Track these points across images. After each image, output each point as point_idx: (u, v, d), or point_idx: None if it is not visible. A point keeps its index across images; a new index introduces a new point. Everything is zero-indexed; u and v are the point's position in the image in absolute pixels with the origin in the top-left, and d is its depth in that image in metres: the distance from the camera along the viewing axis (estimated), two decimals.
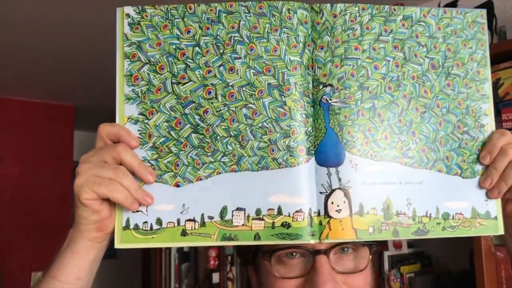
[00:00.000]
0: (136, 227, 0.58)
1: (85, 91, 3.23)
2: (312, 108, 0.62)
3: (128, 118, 0.60)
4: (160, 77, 0.60)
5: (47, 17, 2.09)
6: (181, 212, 0.59)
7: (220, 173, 0.59)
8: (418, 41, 0.64)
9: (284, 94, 0.60)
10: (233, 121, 0.60)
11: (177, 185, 0.59)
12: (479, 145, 0.64)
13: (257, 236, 0.58)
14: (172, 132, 0.60)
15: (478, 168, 0.64)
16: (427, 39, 0.64)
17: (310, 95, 0.62)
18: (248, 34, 0.61)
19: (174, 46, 0.61)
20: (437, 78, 0.64)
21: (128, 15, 0.61)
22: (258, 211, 0.59)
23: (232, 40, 0.61)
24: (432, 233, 0.61)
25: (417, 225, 0.61)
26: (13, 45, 2.42)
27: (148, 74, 0.60)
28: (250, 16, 0.61)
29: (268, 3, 0.61)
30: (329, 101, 0.61)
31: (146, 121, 0.60)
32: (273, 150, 0.60)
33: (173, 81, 0.60)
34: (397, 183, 0.61)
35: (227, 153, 0.60)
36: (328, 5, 0.62)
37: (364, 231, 0.60)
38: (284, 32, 0.61)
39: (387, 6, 0.63)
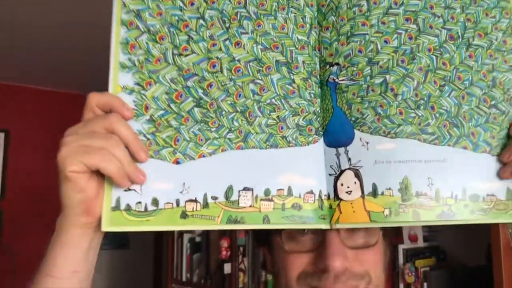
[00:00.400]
0: (128, 208, 0.51)
1: (96, 80, 3.30)
2: (319, 89, 0.59)
3: (122, 88, 0.54)
4: (160, 47, 0.56)
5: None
6: (181, 192, 0.53)
7: (225, 150, 0.55)
8: (433, 12, 0.60)
9: (293, 72, 0.58)
10: (239, 96, 0.56)
11: (177, 162, 0.53)
12: (510, 119, 0.58)
13: (266, 219, 0.54)
14: (172, 105, 0.55)
15: None
16: (443, 9, 0.60)
17: (318, 76, 0.59)
18: (256, 11, 0.59)
19: (176, 17, 0.57)
20: (457, 50, 0.59)
21: None
22: (267, 191, 0.54)
23: (238, 15, 0.58)
24: (460, 216, 0.55)
25: (441, 207, 0.55)
26: (25, 31, 2.48)
27: (146, 43, 0.55)
28: None
29: None
30: (336, 80, 0.58)
31: (142, 91, 0.54)
32: (282, 127, 0.57)
33: (174, 52, 0.56)
34: (416, 161, 0.56)
35: (233, 129, 0.56)
36: None
37: (378, 213, 0.55)
38: (291, 12, 0.60)
39: None
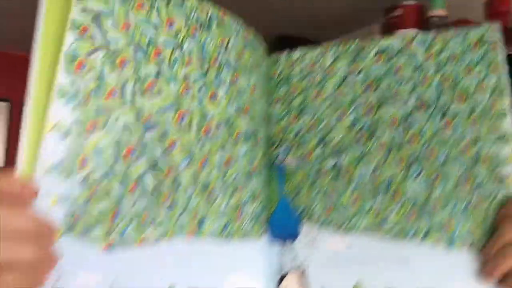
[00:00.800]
0: None
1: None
2: (267, 170, 0.53)
3: (55, 126, 0.36)
4: (119, 76, 0.39)
5: None
6: None
7: (173, 237, 0.43)
8: (400, 76, 0.50)
9: (257, 146, 0.51)
10: (204, 166, 0.45)
11: (109, 247, 0.38)
12: (499, 202, 0.45)
13: None
14: (118, 164, 0.39)
15: None
16: (413, 72, 0.50)
17: (267, 155, 0.53)
18: (236, 59, 0.49)
19: (147, 38, 0.42)
20: (429, 120, 0.49)
21: None
22: None
23: (220, 58, 0.47)
24: None
25: None
26: None
27: (102, 65, 0.39)
28: (239, 38, 0.50)
29: (253, 33, 0.52)
30: (284, 161, 0.52)
31: (83, 137, 0.37)
32: (241, 214, 0.48)
33: (136, 87, 0.41)
34: (372, 263, 0.46)
35: (188, 209, 0.43)
36: (285, 54, 0.54)
37: None
38: (261, 75, 0.53)
39: (356, 41, 0.52)
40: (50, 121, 0.35)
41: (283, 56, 0.54)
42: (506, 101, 0.47)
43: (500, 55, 0.48)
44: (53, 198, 0.35)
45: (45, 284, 0.34)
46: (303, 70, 0.53)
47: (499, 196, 0.45)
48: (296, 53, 0.54)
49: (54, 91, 0.36)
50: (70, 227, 0.36)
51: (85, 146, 0.37)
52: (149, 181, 0.41)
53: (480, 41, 0.49)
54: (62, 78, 0.36)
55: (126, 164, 0.39)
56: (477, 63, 0.49)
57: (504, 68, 0.48)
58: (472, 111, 0.48)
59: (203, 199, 0.44)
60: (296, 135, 0.52)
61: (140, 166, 0.40)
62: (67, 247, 0.36)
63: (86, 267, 0.38)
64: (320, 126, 0.51)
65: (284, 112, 0.53)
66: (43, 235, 0.34)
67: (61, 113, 0.36)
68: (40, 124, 0.35)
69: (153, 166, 0.41)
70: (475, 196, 0.46)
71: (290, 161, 0.51)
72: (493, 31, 0.49)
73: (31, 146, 0.35)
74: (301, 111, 0.52)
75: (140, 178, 0.40)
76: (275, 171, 0.52)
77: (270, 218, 0.50)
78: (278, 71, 0.54)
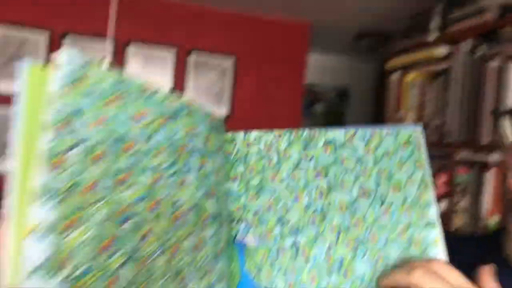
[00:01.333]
0: None
1: (321, 6, 2.94)
2: (229, 249, 0.54)
3: (34, 228, 0.35)
4: (96, 171, 0.40)
5: None
6: None
7: None
8: (345, 166, 0.57)
9: (221, 227, 0.52)
10: (175, 253, 0.46)
11: None
12: None
13: None
14: (98, 258, 0.39)
15: None
16: (355, 163, 0.58)
17: (227, 234, 0.54)
18: (202, 145, 0.52)
19: (122, 131, 0.42)
20: (370, 207, 0.56)
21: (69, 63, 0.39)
22: None
23: (189, 146, 0.50)
24: None
25: None
26: None
27: (80, 161, 0.39)
28: (206, 126, 0.53)
29: (217, 122, 0.55)
30: (244, 240, 0.54)
31: (63, 235, 0.37)
32: None
33: (111, 181, 0.41)
34: None
35: None
36: (242, 134, 0.58)
37: None
38: (222, 155, 0.56)
39: (306, 131, 0.58)
40: (29, 223, 0.35)
41: (240, 136, 0.58)
42: (430, 193, 0.57)
43: (424, 154, 0.59)
44: None
45: None
46: (260, 152, 0.57)
47: None
48: (252, 135, 0.58)
49: (31, 193, 0.35)
50: None
51: (65, 244, 0.37)
52: (128, 272, 0.41)
53: (408, 141, 0.59)
54: (41, 178, 0.36)
55: (105, 258, 0.40)
56: (406, 161, 0.59)
57: (427, 165, 0.58)
58: (404, 201, 0.57)
59: (176, 286, 0.45)
60: (255, 214, 0.55)
61: (119, 258, 0.41)
62: None
63: None
64: (278, 206, 0.55)
65: (243, 190, 0.56)
66: None
67: (40, 214, 0.36)
68: (22, 226, 0.35)
69: (132, 256, 0.42)
70: None
71: (250, 240, 0.54)
72: (417, 133, 0.60)
73: (15, 249, 0.35)
74: (259, 190, 0.56)
75: (119, 269, 0.41)
76: (235, 249, 0.53)
77: None
78: (235, 150, 0.57)
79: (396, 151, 0.58)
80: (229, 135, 0.58)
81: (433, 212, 0.56)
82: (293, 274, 0.53)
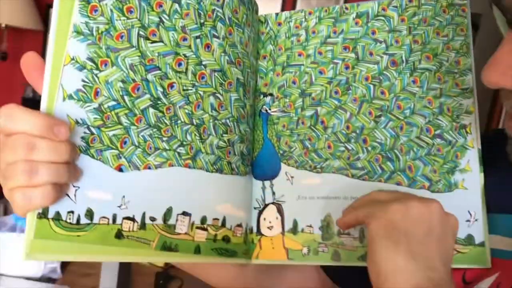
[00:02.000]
0: (58, 217, 0.41)
1: None
2: (254, 118, 0.59)
3: (72, 59, 0.42)
4: (126, 22, 0.45)
5: None
6: (119, 206, 0.44)
7: (172, 165, 0.48)
8: (375, 37, 0.56)
9: (246, 96, 0.56)
10: (198, 107, 0.50)
11: (120, 169, 0.45)
12: (458, 150, 0.51)
13: (197, 249, 0.51)
14: (126, 98, 0.45)
15: (458, 178, 0.50)
16: (387, 34, 0.56)
17: (253, 104, 0.59)
18: (230, 16, 0.53)
19: None
20: (399, 76, 0.54)
21: None
22: (203, 219, 0.50)
23: (214, 14, 0.52)
24: None
25: (365, 249, 0.50)
26: None
27: (111, 10, 0.45)
28: None
29: None
30: (268, 111, 0.58)
31: (95, 71, 0.44)
32: (229, 152, 0.53)
33: (141, 32, 0.46)
34: (341, 198, 0.52)
35: (185, 143, 0.49)
36: (273, 14, 0.60)
37: (296, 251, 0.52)
38: (253, 31, 0.58)
39: (338, 6, 0.58)
40: (68, 54, 0.42)
41: (272, 16, 0.60)
42: (469, 59, 0.52)
43: (467, 18, 0.54)
44: (71, 123, 0.42)
45: (65, 194, 0.41)
46: (290, 30, 0.59)
47: (460, 142, 0.51)
48: (283, 15, 0.60)
49: (70, 30, 0.43)
50: (86, 148, 0.43)
51: (97, 79, 0.44)
52: (152, 115, 0.47)
53: (450, 5, 0.54)
54: (76, 18, 0.43)
55: (132, 99, 0.46)
56: (445, 26, 0.54)
57: (469, 30, 0.53)
58: (438, 68, 0.53)
59: (197, 135, 0.50)
60: (280, 87, 0.58)
61: (143, 101, 0.47)
62: (83, 165, 0.43)
63: (100, 184, 0.44)
64: (302, 80, 0.57)
65: (270, 67, 0.59)
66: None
67: (77, 49, 0.43)
68: (60, 58, 0.42)
69: (155, 102, 0.47)
70: (436, 143, 0.52)
71: (274, 111, 0.57)
72: None
73: (53, 77, 0.42)
74: (285, 67, 0.58)
75: (144, 111, 0.47)
76: (260, 120, 0.58)
77: (255, 159, 0.57)
78: (267, 30, 0.60)
79: (434, 17, 0.55)
80: (262, 15, 0.61)
81: (470, 79, 0.52)
82: (310, 141, 0.55)
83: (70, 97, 0.42)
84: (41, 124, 0.38)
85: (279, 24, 0.60)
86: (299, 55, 0.58)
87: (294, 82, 0.57)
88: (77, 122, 0.42)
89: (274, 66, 0.59)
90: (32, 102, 2.17)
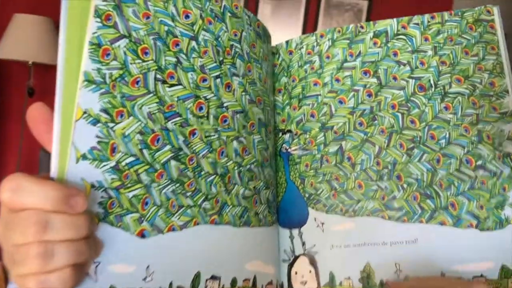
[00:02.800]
0: None
1: None
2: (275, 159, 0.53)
3: (84, 113, 0.36)
4: (141, 65, 0.40)
5: None
6: (144, 279, 0.39)
7: (198, 223, 0.43)
8: (398, 59, 0.51)
9: (268, 136, 0.51)
10: (221, 155, 0.45)
11: (142, 235, 0.39)
12: (505, 182, 0.46)
13: None
14: (145, 152, 0.40)
15: (509, 213, 0.46)
16: (410, 55, 0.50)
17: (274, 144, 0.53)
18: (248, 51, 0.49)
19: (166, 28, 0.42)
20: (429, 102, 0.49)
21: None
22: (233, 282, 0.45)
23: (233, 50, 0.47)
24: None
25: None
26: None
27: (124, 53, 0.39)
28: (251, 30, 0.49)
29: (262, 25, 0.52)
30: (288, 150, 0.52)
31: (111, 124, 0.38)
32: (256, 201, 0.48)
33: (158, 76, 0.41)
34: (380, 244, 0.47)
35: (210, 196, 0.44)
36: (284, 42, 0.55)
37: None
38: (269, 66, 0.53)
39: (352, 26, 0.52)
40: (79, 107, 0.36)
41: (282, 45, 0.54)
42: (505, 80, 0.48)
43: (498, 34, 0.49)
44: (87, 188, 0.36)
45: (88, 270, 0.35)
46: (302, 57, 0.53)
47: (506, 173, 0.46)
48: (294, 41, 0.54)
49: (80, 79, 0.36)
50: (105, 215, 0.37)
51: (113, 133, 0.38)
52: (174, 168, 0.42)
53: (476, 21, 0.49)
54: (87, 65, 0.36)
55: (152, 152, 0.40)
56: (474, 44, 0.49)
57: (503, 47, 0.48)
58: (472, 92, 0.48)
59: (223, 186, 0.45)
60: (298, 123, 0.52)
61: (164, 154, 0.41)
62: (102, 235, 0.36)
63: (122, 255, 0.38)
64: (321, 112, 0.51)
65: (286, 101, 0.53)
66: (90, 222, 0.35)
67: (90, 100, 0.36)
68: (70, 113, 0.36)
69: (176, 153, 0.42)
70: (479, 176, 0.47)
71: (294, 150, 0.52)
72: (488, 11, 0.49)
73: (63, 136, 0.35)
74: (302, 99, 0.53)
75: (165, 165, 0.41)
76: (281, 160, 0.52)
77: (279, 205, 0.51)
78: (279, 61, 0.54)
79: (461, 34, 0.50)
80: (274, 46, 0.55)
81: (508, 101, 0.47)
82: (338, 181, 0.50)
83: (84, 157, 0.36)
84: (55, 197, 0.32)
85: (290, 52, 0.54)
86: (315, 84, 0.52)
87: (312, 115, 0.52)
88: (93, 186, 0.36)
89: (290, 99, 0.53)
90: None
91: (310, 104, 0.52)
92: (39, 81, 2.27)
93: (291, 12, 2.81)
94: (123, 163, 0.38)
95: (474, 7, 0.50)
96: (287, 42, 0.54)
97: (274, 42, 0.55)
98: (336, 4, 2.79)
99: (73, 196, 0.33)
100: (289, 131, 0.52)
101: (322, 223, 0.49)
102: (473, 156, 0.47)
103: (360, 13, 2.76)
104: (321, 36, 0.53)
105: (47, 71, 2.31)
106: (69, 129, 0.36)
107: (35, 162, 2.30)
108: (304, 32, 2.74)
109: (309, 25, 2.78)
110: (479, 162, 0.47)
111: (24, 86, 2.23)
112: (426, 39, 0.50)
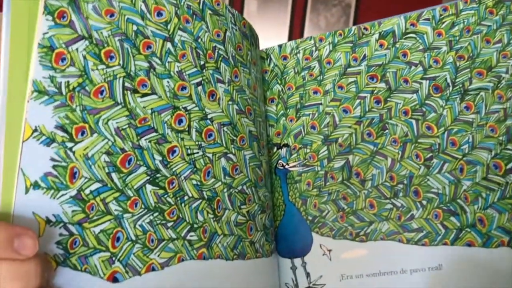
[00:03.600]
0: None
1: None
2: (270, 178, 0.47)
3: (34, 131, 0.30)
4: (106, 71, 0.33)
5: None
6: None
7: (183, 259, 0.36)
8: (408, 60, 0.45)
9: (260, 152, 0.44)
10: (207, 175, 0.38)
11: (114, 279, 0.32)
12: None
13: None
14: (114, 176, 0.33)
15: None
16: (422, 54, 0.44)
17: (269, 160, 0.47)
18: (234, 54, 0.42)
19: (135, 27, 0.35)
20: (447, 104, 0.43)
21: None
22: None
23: (216, 53, 0.41)
24: None
25: None
26: None
27: (84, 57, 0.32)
28: (236, 30, 0.43)
29: (249, 25, 0.46)
30: (286, 166, 0.46)
31: (69, 144, 0.31)
32: (251, 229, 0.41)
33: (126, 84, 0.34)
34: (398, 272, 0.40)
35: (196, 226, 0.37)
36: (276, 46, 0.49)
37: None
38: (258, 71, 0.47)
39: (354, 28, 0.47)
40: (27, 127, 0.29)
41: (274, 50, 0.49)
42: None
43: None
44: (42, 223, 0.29)
45: None
46: (299, 63, 0.48)
47: None
48: (288, 45, 0.49)
49: (29, 90, 0.30)
50: (65, 257, 0.30)
51: (73, 155, 0.31)
52: (150, 194, 0.35)
53: (496, 4, 0.43)
54: (36, 72, 0.30)
55: (122, 176, 0.33)
56: (497, 29, 0.43)
57: None
58: (497, 84, 0.42)
59: (211, 213, 0.38)
60: (296, 136, 0.46)
61: (138, 177, 0.34)
62: (62, 281, 0.29)
63: None
64: (324, 124, 0.45)
65: (281, 112, 0.47)
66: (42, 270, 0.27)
67: (40, 116, 0.30)
68: (16, 132, 0.29)
69: (153, 176, 0.35)
70: (510, 182, 0.40)
71: (293, 166, 0.45)
72: None
73: (7, 160, 0.29)
74: (300, 109, 0.47)
75: (139, 191, 0.34)
76: (277, 178, 0.46)
77: (277, 231, 0.44)
78: (270, 67, 0.49)
79: (480, 22, 0.43)
80: (263, 50, 0.49)
81: None
82: (346, 200, 0.43)
83: (36, 185, 0.29)
84: None
85: (284, 58, 0.48)
86: (315, 92, 0.46)
87: (313, 127, 0.46)
88: (48, 222, 0.29)
89: (285, 110, 0.47)
90: None
91: (310, 114, 0.46)
92: None
93: (278, 8, 2.76)
94: (87, 191, 0.31)
95: None
96: (280, 46, 0.49)
97: (261, 40, 0.49)
98: None
99: (19, 235, 0.26)
100: (286, 145, 0.46)
101: (329, 250, 0.42)
102: (502, 159, 0.40)
103: (348, 7, 2.72)
104: (320, 40, 0.47)
105: None
106: (15, 151, 0.29)
107: None
108: (291, 30, 2.69)
109: (296, 22, 2.72)
110: (510, 166, 0.40)
111: None
112: (439, 34, 0.44)
